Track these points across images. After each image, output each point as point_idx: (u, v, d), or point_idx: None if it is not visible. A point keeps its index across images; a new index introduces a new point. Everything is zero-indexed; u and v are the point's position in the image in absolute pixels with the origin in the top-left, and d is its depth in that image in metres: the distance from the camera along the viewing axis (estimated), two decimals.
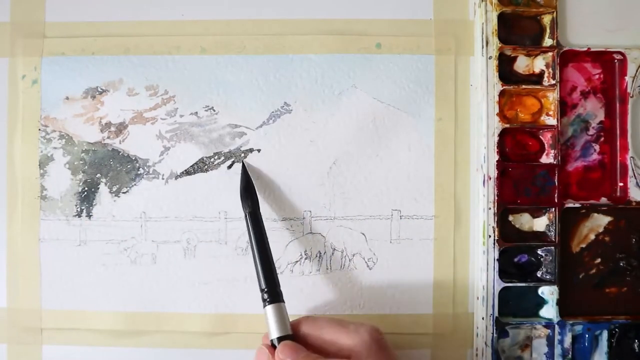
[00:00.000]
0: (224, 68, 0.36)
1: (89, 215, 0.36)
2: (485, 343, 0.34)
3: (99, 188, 0.36)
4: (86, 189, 0.36)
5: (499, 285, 0.34)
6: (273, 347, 0.30)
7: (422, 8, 0.36)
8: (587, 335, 0.35)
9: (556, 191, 0.35)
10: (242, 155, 0.36)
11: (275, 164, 0.36)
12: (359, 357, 0.28)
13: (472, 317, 0.36)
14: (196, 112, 0.36)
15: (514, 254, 0.36)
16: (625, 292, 0.36)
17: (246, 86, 0.36)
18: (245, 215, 0.33)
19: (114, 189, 0.36)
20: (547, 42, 0.35)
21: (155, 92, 0.36)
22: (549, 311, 0.35)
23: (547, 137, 0.35)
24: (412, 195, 0.36)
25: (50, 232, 0.36)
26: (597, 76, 0.36)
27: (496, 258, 0.34)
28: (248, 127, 0.36)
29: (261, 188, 0.36)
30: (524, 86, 0.35)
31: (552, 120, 0.35)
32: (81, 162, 0.36)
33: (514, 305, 0.35)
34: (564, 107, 0.36)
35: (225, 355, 0.36)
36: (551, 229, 0.35)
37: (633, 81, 0.35)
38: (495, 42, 0.35)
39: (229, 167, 0.36)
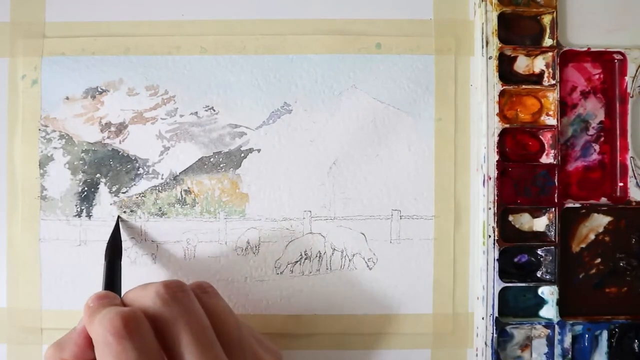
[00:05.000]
0: (224, 68, 0.36)
1: (89, 215, 0.36)
2: (485, 343, 0.34)
3: (98, 188, 0.36)
4: (86, 189, 0.36)
5: (499, 285, 0.34)
6: None
7: (422, 8, 0.36)
8: (587, 335, 0.35)
9: (556, 191, 0.35)
10: (243, 155, 0.36)
11: (275, 164, 0.36)
12: (147, 311, 0.27)
13: (472, 317, 0.36)
14: (196, 112, 0.36)
15: (514, 254, 0.36)
16: (625, 292, 0.36)
17: (246, 86, 0.36)
18: (105, 263, 0.33)
19: (114, 189, 0.36)
20: (547, 42, 0.35)
21: (155, 92, 0.36)
22: (549, 311, 0.35)
23: (547, 137, 0.35)
24: (412, 195, 0.36)
25: (50, 232, 0.36)
26: (597, 76, 0.36)
27: (496, 258, 0.34)
28: (248, 127, 0.36)
29: (261, 188, 0.36)
30: (524, 86, 0.35)
31: (552, 120, 0.35)
32: (81, 162, 0.36)
33: (514, 305, 0.35)
34: (564, 107, 0.36)
35: None
36: (551, 229, 0.35)
37: (633, 81, 0.35)
38: (495, 42, 0.35)
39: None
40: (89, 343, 0.27)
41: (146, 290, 0.27)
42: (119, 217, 0.36)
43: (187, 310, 0.27)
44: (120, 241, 0.35)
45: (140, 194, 0.36)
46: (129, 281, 0.36)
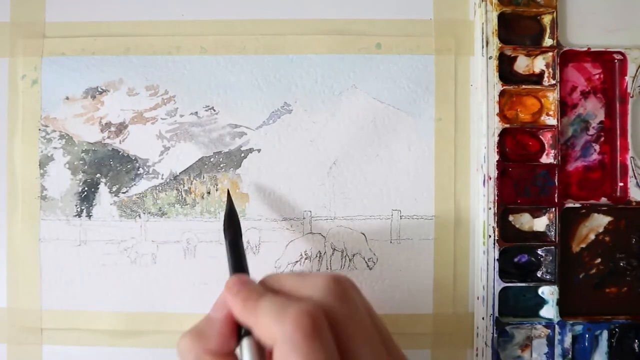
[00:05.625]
0: (224, 68, 0.36)
1: (89, 215, 0.36)
2: (485, 343, 0.34)
3: (98, 188, 0.36)
4: (86, 189, 0.36)
5: (499, 285, 0.34)
6: None
7: (422, 8, 0.36)
8: (587, 335, 0.35)
9: (556, 191, 0.35)
10: (243, 155, 0.36)
11: (275, 164, 0.36)
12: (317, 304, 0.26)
13: (472, 317, 0.36)
14: (196, 112, 0.36)
15: (514, 254, 0.36)
16: (625, 292, 0.36)
17: (246, 86, 0.36)
18: (226, 243, 0.32)
19: (114, 189, 0.36)
20: (547, 42, 0.35)
21: (156, 92, 0.36)
22: (549, 311, 0.35)
23: (547, 137, 0.35)
24: (412, 195, 0.36)
25: (50, 232, 0.36)
26: (597, 76, 0.36)
27: (496, 258, 0.34)
28: (248, 127, 0.36)
29: (261, 188, 0.36)
30: (524, 86, 0.35)
31: (552, 120, 0.35)
32: (81, 162, 0.36)
33: (514, 305, 0.35)
34: (564, 107, 0.36)
35: None
36: (551, 229, 0.35)
37: (633, 81, 0.35)
38: (495, 42, 0.35)
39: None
40: (234, 331, 0.26)
41: (310, 282, 0.26)
42: (228, 190, 0.35)
43: (358, 307, 0.26)
44: (237, 217, 0.33)
45: (140, 193, 0.36)
46: (129, 281, 0.36)
